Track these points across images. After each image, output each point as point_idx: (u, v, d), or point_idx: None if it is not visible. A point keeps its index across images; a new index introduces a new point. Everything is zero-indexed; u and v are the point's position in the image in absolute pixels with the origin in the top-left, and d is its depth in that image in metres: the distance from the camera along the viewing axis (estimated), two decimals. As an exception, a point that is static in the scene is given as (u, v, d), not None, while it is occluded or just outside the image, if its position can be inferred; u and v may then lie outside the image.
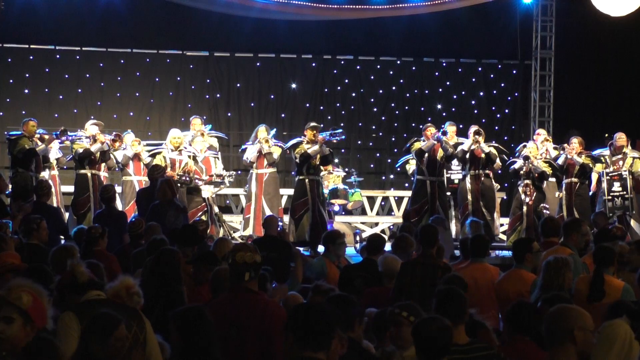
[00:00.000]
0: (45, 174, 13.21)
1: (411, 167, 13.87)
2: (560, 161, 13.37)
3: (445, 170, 13.64)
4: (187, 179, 12.61)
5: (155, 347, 4.60)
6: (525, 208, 12.88)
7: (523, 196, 12.91)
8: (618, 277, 6.73)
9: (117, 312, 4.25)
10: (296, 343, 3.68)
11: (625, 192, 13.28)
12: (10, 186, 12.17)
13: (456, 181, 13.71)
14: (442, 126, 13.62)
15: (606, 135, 14.41)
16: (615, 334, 4.18)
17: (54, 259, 6.48)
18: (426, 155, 12.98)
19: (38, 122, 13.07)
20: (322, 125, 14.29)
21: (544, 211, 13.19)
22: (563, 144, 13.69)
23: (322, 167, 13.75)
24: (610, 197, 13.32)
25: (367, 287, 7.06)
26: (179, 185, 11.97)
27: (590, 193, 13.78)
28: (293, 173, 15.44)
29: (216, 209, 13.03)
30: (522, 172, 13.00)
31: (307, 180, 12.54)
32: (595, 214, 12.17)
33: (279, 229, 10.00)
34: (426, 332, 4.17)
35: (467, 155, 13.09)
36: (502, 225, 14.64)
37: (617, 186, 13.33)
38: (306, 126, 13.14)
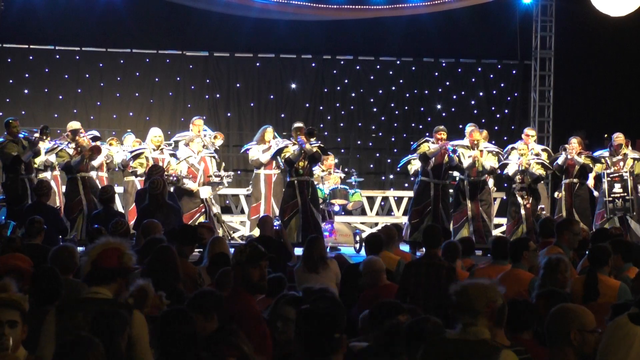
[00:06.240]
0: (47, 175, 13.21)
1: (413, 167, 13.79)
2: (560, 161, 13.35)
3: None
4: (175, 178, 12.61)
5: (146, 347, 4.56)
6: (523, 211, 12.85)
7: (520, 200, 12.88)
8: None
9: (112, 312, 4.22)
10: (306, 348, 3.67)
11: (626, 194, 13.28)
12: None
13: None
14: (451, 146, 13.22)
15: (605, 135, 14.41)
16: (632, 335, 4.14)
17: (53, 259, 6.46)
18: (432, 159, 12.92)
19: (38, 122, 13.06)
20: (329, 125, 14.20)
21: (542, 212, 13.17)
22: (564, 144, 13.67)
23: (321, 167, 13.73)
24: (611, 199, 13.31)
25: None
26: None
27: (596, 194, 13.80)
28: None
29: (215, 210, 12.99)
30: (517, 177, 12.94)
31: (296, 182, 12.50)
32: None
33: (276, 227, 9.99)
34: (420, 330, 4.17)
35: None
36: (500, 225, 14.64)
37: (617, 187, 13.32)
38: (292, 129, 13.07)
